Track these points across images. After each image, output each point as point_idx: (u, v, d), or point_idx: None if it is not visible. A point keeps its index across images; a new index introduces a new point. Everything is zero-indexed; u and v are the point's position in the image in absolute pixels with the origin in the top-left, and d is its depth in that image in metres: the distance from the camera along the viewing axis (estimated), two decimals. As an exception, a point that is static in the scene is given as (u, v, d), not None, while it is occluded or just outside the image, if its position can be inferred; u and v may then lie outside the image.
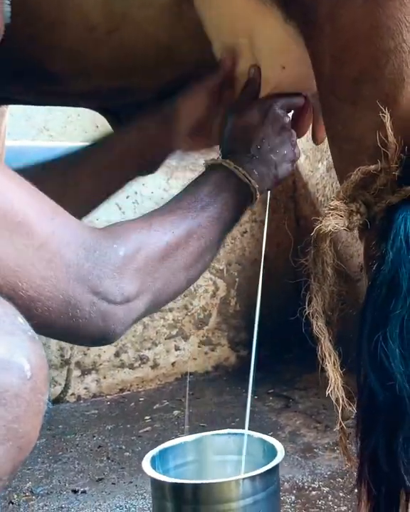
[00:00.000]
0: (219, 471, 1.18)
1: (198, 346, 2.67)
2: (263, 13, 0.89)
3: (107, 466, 1.89)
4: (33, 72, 1.00)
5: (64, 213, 0.69)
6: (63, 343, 2.36)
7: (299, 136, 1.06)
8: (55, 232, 0.65)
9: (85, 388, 2.46)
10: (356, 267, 2.24)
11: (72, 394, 2.44)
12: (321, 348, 0.79)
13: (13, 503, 1.68)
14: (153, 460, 1.10)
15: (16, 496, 1.71)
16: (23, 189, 0.66)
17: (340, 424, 0.81)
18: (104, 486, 1.76)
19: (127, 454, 1.97)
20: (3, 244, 0.61)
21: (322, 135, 1.09)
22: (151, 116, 1.05)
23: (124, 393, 2.51)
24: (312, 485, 1.68)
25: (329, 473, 1.74)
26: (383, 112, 0.80)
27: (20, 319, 0.58)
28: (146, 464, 1.08)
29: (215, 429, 1.26)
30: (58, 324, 0.66)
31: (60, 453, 1.99)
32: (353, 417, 0.82)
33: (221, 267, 2.68)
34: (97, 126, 2.85)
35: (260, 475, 1.03)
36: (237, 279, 2.73)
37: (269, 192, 0.99)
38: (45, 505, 1.67)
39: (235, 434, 1.21)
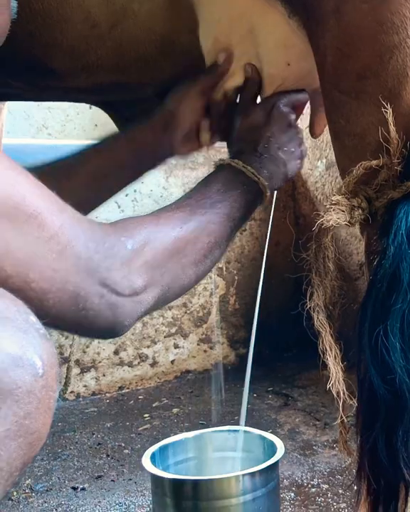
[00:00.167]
0: (219, 467, 1.18)
1: (198, 344, 2.67)
2: (266, 8, 0.89)
3: (106, 464, 1.89)
4: (33, 69, 1.00)
5: (71, 208, 0.70)
6: (63, 341, 2.36)
7: None
8: (65, 225, 0.66)
9: (85, 386, 2.46)
10: (355, 265, 2.25)
11: (72, 392, 2.44)
12: (322, 341, 0.80)
13: (12, 500, 1.67)
14: (153, 456, 1.10)
15: (15, 493, 1.70)
16: (31, 182, 0.66)
17: (341, 417, 0.81)
18: (103, 483, 1.76)
19: (126, 451, 1.97)
20: (15, 236, 0.61)
21: (320, 129, 1.10)
22: (147, 124, 1.05)
23: (123, 391, 2.51)
24: (312, 482, 1.68)
25: (328, 470, 1.74)
26: (385, 108, 0.80)
27: (33, 318, 0.59)
28: (146, 461, 1.08)
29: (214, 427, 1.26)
30: (68, 316, 0.66)
31: (60, 450, 1.99)
32: (353, 411, 0.82)
33: (220, 265, 2.68)
34: (96, 125, 2.86)
35: (260, 471, 1.02)
36: (236, 278, 2.74)
37: (275, 192, 0.99)
38: (45, 502, 1.67)
39: (235, 430, 1.20)
